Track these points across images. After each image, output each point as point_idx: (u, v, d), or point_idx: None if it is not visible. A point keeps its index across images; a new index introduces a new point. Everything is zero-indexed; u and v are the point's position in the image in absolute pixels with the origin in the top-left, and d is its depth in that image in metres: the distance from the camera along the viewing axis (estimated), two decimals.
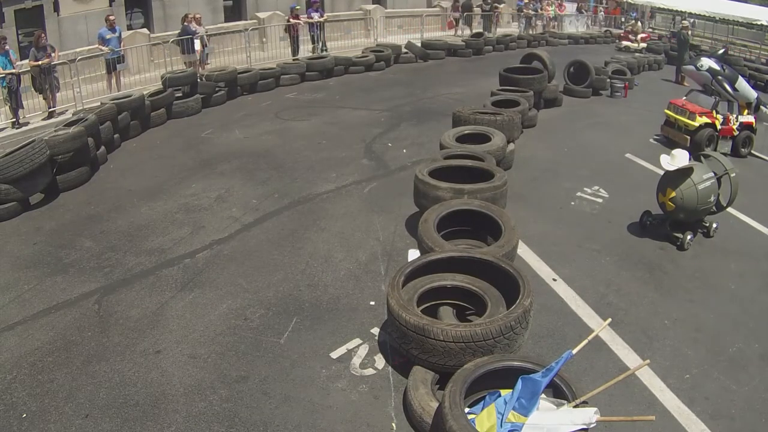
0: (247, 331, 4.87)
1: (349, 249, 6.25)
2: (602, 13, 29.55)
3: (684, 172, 6.50)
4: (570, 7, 27.17)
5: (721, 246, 6.83)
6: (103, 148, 8.89)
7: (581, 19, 27.21)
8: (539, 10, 24.90)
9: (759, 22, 22.40)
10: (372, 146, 9.66)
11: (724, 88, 10.18)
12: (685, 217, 6.66)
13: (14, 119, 10.05)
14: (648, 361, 3.72)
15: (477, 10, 21.99)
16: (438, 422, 3.33)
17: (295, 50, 15.88)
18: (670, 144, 10.13)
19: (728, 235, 7.05)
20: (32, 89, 10.40)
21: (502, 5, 23.46)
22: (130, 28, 15.01)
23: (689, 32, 18.70)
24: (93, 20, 13.98)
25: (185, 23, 13.38)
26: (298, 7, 15.98)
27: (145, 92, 10.78)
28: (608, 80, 14.43)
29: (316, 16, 16.17)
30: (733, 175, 6.87)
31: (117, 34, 12.09)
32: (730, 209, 7.28)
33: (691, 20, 24.32)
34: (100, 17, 13.38)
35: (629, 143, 10.43)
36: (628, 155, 9.83)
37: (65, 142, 7.59)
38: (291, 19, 15.84)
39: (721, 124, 10.22)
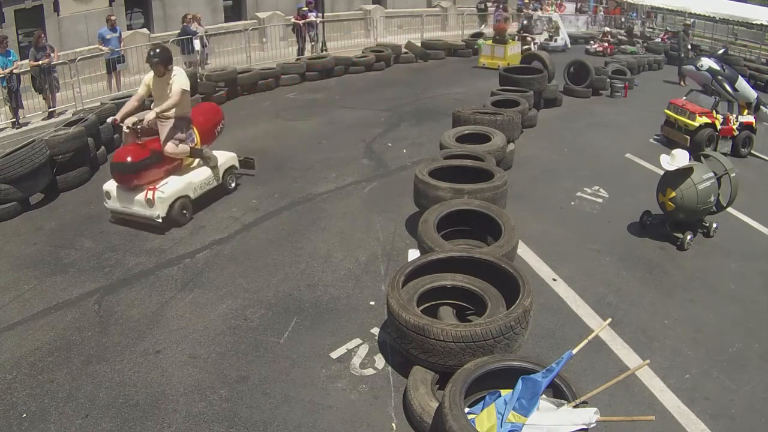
0: (247, 331, 4.87)
1: (349, 249, 6.25)
2: (602, 13, 29.53)
3: (684, 172, 6.50)
4: (570, 7, 27.16)
5: (721, 246, 6.82)
6: (103, 148, 8.88)
7: (581, 19, 27.19)
8: (539, 10, 24.88)
9: (759, 22, 22.41)
10: (372, 146, 9.65)
11: (724, 88, 10.17)
12: (685, 217, 6.66)
13: (14, 119, 10.05)
14: (648, 361, 3.72)
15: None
16: (438, 422, 3.33)
17: (301, 50, 15.93)
18: (670, 144, 10.12)
19: (728, 235, 7.05)
20: (32, 89, 10.40)
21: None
22: (130, 28, 15.01)
23: (688, 32, 18.70)
24: (93, 20, 13.99)
25: (185, 23, 13.38)
26: (305, 8, 16.01)
27: None
28: (608, 80, 14.43)
29: (311, 16, 16.21)
30: (733, 175, 6.87)
31: (117, 34, 12.10)
32: (730, 209, 7.28)
33: (691, 20, 24.31)
34: (100, 17, 13.39)
35: (629, 143, 10.43)
36: (628, 155, 9.83)
37: (65, 142, 7.59)
38: (294, 19, 15.90)
39: (721, 124, 10.21)
